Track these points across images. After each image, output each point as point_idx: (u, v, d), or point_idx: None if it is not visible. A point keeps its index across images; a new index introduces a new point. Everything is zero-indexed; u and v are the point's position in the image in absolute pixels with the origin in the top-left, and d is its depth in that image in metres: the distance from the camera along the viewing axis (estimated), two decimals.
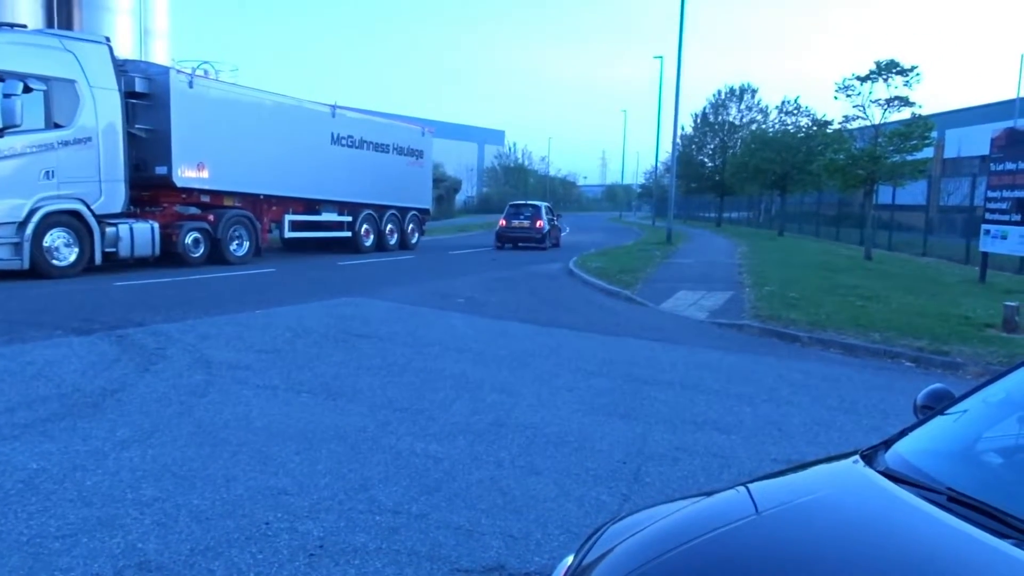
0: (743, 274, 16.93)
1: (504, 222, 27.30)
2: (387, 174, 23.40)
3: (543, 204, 29.48)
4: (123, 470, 4.42)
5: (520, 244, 26.66)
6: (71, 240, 14.10)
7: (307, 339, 8.59)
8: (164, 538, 3.59)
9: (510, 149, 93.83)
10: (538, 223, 26.97)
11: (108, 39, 15.33)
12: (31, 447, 4.74)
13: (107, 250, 14.75)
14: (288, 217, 20.17)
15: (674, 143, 32.18)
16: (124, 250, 15.08)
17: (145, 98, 16.11)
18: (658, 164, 62.43)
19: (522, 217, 27.25)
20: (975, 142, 34.49)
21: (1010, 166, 14.76)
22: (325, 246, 21.91)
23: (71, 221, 14.12)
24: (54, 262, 13.78)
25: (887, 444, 2.28)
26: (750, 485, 2.26)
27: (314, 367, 7.23)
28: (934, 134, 24.18)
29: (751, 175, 40.57)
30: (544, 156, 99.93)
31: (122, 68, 15.62)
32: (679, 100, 28.96)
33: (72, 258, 14.10)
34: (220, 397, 6.05)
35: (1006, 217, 14.74)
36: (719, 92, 51.33)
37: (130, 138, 15.47)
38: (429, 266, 19.29)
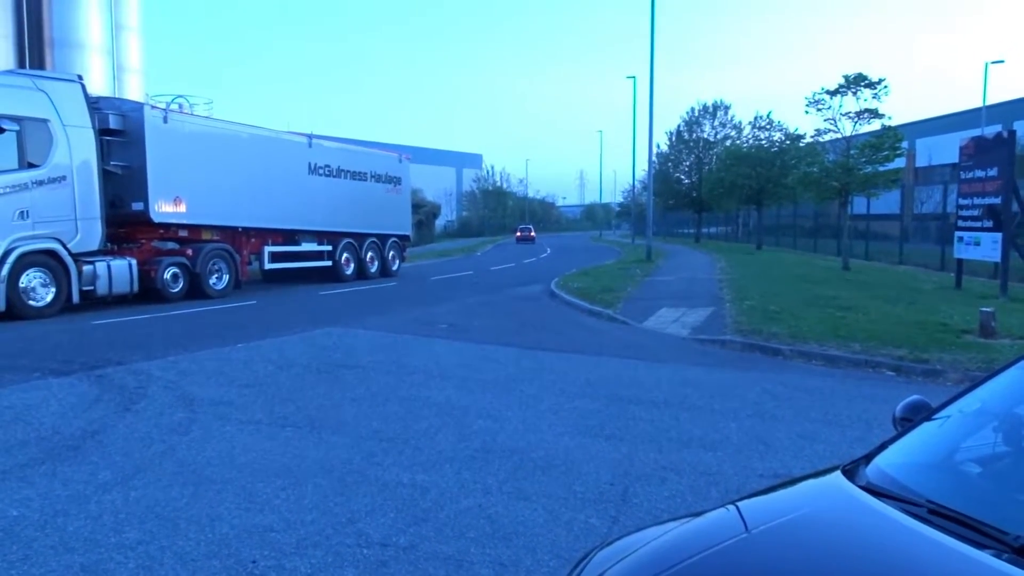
0: (723, 289, 17.04)
1: (520, 233, 64.49)
2: (366, 202, 23.40)
3: (532, 225, 72.56)
4: (105, 513, 4.36)
5: (526, 243, 58.56)
6: (48, 280, 13.96)
7: (290, 372, 8.53)
8: None
9: (488, 172, 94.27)
10: (531, 234, 64.53)
11: (80, 77, 15.29)
12: (10, 494, 4.66)
13: (85, 289, 14.60)
14: (267, 248, 20.08)
15: (650, 161, 32.47)
16: (102, 288, 14.94)
17: (120, 134, 16.05)
18: (635, 182, 62.97)
19: (526, 231, 64.84)
20: (945, 150, 35.10)
21: (979, 173, 15.03)
22: (306, 276, 21.82)
23: (47, 261, 13.98)
24: (31, 303, 13.63)
25: (868, 458, 2.30)
26: (739, 503, 2.27)
27: (297, 400, 7.19)
28: (904, 144, 24.60)
29: (727, 190, 40.94)
30: (522, 178, 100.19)
31: (95, 105, 15.56)
32: (652, 119, 29.30)
33: (49, 298, 13.95)
34: (203, 434, 5.99)
35: (978, 224, 14.99)
36: (693, 109, 51.86)
37: (105, 175, 15.38)
38: (411, 293, 19.26)
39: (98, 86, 24.89)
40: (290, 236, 20.95)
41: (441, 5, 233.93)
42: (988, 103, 39.54)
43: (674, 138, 52.70)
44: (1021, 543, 1.67)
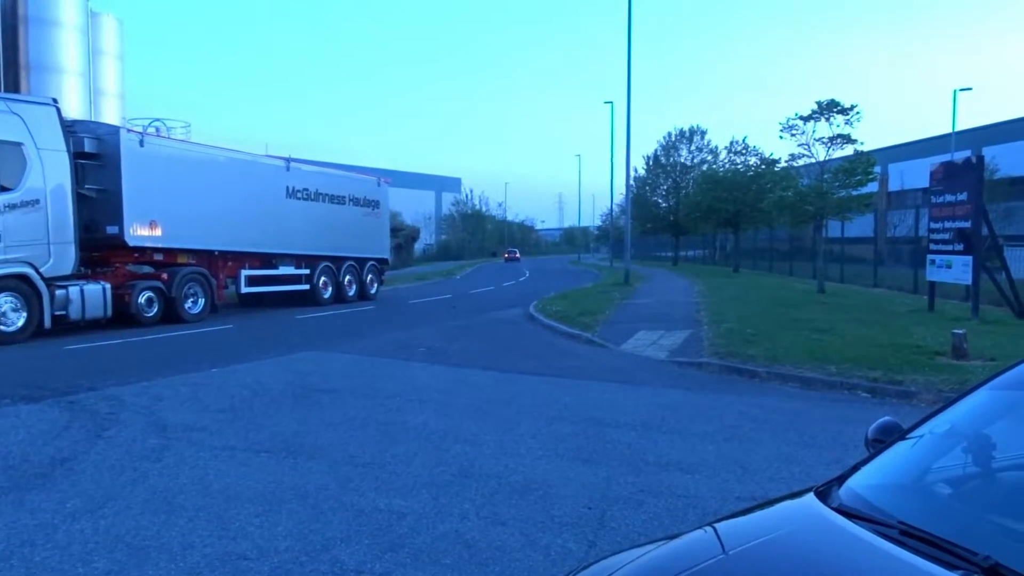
0: (701, 312, 17.14)
1: (507, 255, 77.09)
2: (344, 226, 23.33)
3: (516, 248, 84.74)
4: (74, 543, 4.27)
5: (512, 261, 70.13)
6: (19, 304, 13.74)
7: (265, 397, 8.45)
8: None
9: (467, 196, 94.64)
10: (517, 255, 78.12)
11: (56, 101, 15.17)
12: None
13: (57, 313, 14.38)
14: (244, 272, 19.93)
15: (627, 185, 32.72)
16: (75, 313, 14.72)
17: (95, 158, 15.92)
18: (613, 206, 63.42)
19: (512, 253, 78.32)
20: (917, 175, 35.69)
21: (949, 198, 15.29)
22: (283, 300, 21.66)
23: (19, 285, 13.76)
24: (1, 328, 13.40)
25: (840, 480, 2.31)
26: (716, 525, 2.28)
27: (273, 425, 7.11)
28: (877, 169, 25.00)
29: (704, 214, 41.36)
30: (501, 202, 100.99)
31: (71, 129, 15.44)
32: (630, 143, 29.56)
33: (20, 323, 13.72)
34: (175, 461, 5.90)
35: (949, 247, 15.22)
36: (670, 134, 52.50)
37: (80, 198, 15.23)
38: (389, 316, 19.19)
39: (75, 110, 24.79)
40: (267, 260, 20.82)
41: (421, 29, 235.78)
42: (957, 129, 40.38)
43: (651, 162, 53.24)
44: (990, 563, 1.68)
